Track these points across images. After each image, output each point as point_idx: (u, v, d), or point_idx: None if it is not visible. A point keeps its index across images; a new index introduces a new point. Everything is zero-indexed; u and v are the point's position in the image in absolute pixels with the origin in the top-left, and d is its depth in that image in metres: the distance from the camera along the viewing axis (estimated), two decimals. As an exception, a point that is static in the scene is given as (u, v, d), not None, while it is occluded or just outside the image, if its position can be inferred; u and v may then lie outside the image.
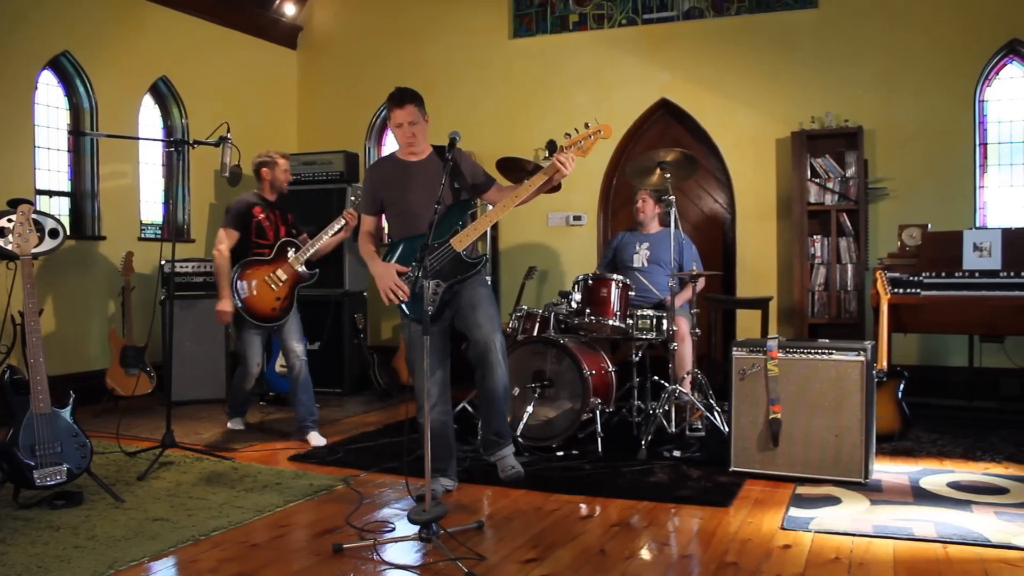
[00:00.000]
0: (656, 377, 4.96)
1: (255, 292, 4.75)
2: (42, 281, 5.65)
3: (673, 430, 4.60)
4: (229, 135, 4.47)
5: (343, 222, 4.84)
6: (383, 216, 3.80)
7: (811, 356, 3.90)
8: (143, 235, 6.44)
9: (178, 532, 3.23)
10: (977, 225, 5.89)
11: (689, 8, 6.58)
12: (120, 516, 3.43)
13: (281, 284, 4.79)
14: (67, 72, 5.98)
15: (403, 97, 3.57)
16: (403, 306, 3.57)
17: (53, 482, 3.51)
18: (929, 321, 5.10)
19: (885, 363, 4.68)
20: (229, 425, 5.20)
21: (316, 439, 4.73)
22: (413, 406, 4.05)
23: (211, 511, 3.51)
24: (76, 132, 4.16)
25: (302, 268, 4.85)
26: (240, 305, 4.72)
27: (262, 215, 4.88)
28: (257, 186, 4.99)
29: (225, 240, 4.80)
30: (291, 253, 4.86)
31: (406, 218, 3.63)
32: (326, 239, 4.85)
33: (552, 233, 6.85)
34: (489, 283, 3.79)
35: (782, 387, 3.92)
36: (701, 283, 5.16)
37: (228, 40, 7.19)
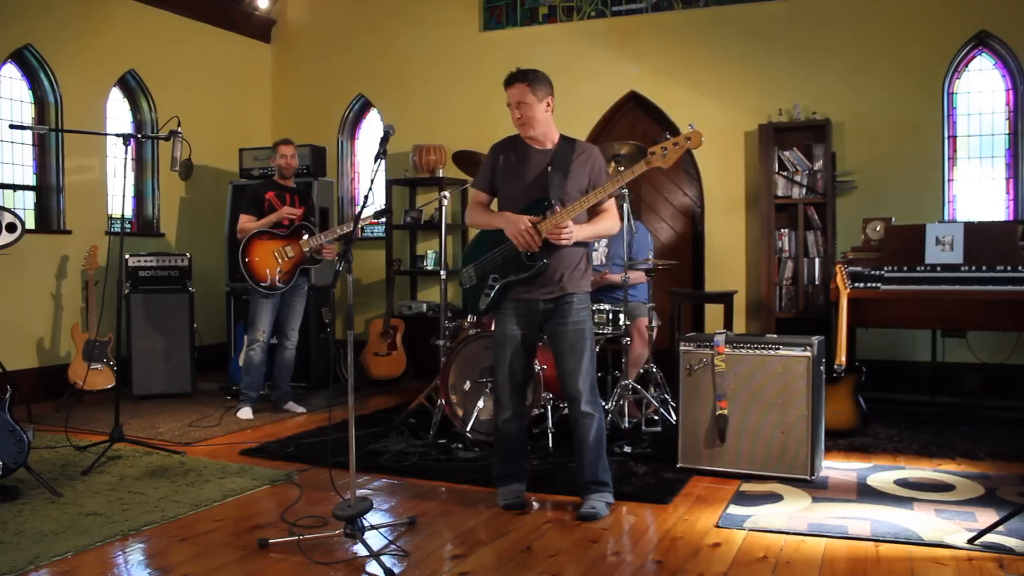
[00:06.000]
0: (618, 373, 4.92)
1: (260, 258, 5.20)
2: (6, 275, 5.65)
3: (626, 425, 4.57)
4: (180, 129, 4.44)
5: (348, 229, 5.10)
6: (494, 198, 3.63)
7: (757, 351, 3.85)
8: (111, 229, 6.43)
9: (108, 527, 3.22)
10: (946, 219, 5.82)
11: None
12: (54, 511, 3.41)
13: (287, 259, 5.24)
14: (31, 65, 5.96)
15: (512, 77, 3.52)
16: (469, 299, 3.55)
17: (-12, 477, 3.50)
18: (890, 316, 5.04)
19: (843, 358, 4.64)
20: (239, 415, 5.26)
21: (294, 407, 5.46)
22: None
23: (147, 506, 3.49)
24: (16, 126, 4.13)
25: (308, 251, 5.26)
26: (246, 261, 5.18)
27: (276, 199, 5.31)
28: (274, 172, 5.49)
29: (242, 223, 5.25)
30: (305, 236, 5.28)
31: (505, 204, 3.47)
32: (334, 234, 5.24)
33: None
34: (585, 312, 3.44)
35: (729, 383, 3.89)
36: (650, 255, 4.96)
37: (200, 33, 7.15)
